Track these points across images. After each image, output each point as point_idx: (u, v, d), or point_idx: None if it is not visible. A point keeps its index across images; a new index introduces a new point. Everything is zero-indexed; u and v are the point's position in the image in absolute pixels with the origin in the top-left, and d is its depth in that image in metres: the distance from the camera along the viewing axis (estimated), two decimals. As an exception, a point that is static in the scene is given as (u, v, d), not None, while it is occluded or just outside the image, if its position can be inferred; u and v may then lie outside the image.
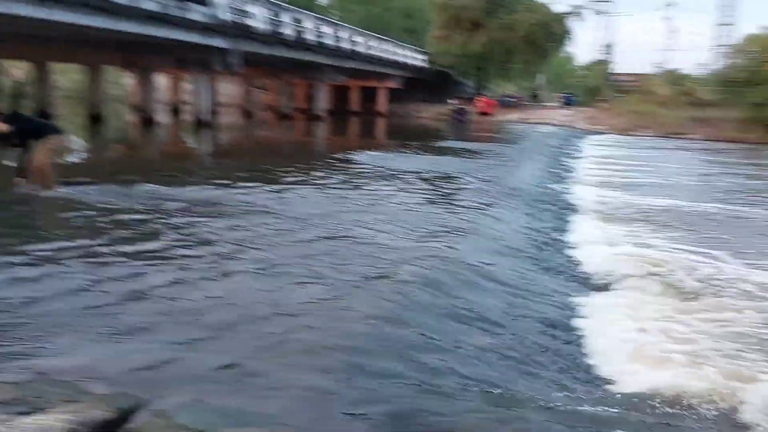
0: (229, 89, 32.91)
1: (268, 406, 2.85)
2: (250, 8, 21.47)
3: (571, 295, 5.73)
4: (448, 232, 6.92)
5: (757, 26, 31.56)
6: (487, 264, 6.05)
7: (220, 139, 21.50)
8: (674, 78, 40.94)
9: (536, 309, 5.24)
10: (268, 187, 9.10)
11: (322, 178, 10.59)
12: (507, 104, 41.33)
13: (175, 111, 30.64)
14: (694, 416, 3.38)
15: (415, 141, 20.02)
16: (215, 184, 9.13)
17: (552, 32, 39.31)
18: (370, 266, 5.36)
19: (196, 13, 18.85)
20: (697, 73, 42.97)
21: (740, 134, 29.69)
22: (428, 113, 37.74)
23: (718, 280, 6.17)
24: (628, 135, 31.33)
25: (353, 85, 36.59)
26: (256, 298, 4.37)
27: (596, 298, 5.69)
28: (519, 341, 4.34)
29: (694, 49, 79.45)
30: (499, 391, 3.24)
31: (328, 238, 6.29)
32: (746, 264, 6.82)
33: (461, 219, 7.73)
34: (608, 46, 43.34)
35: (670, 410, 3.41)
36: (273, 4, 23.32)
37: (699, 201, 11.26)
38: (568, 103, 42.26)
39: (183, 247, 5.63)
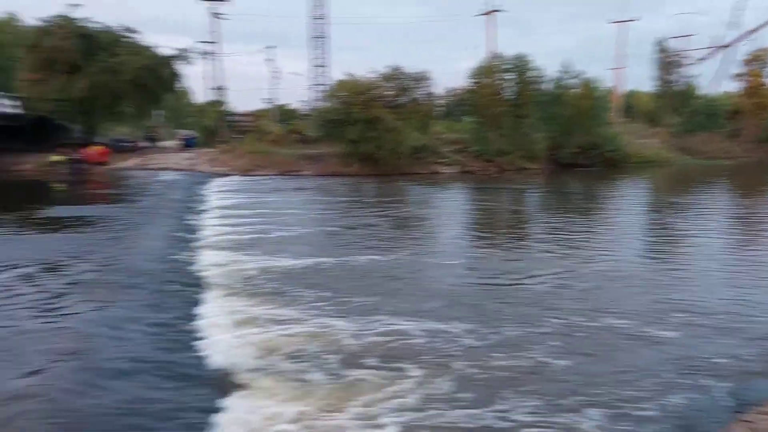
0: None
1: None
2: None
3: (200, 408, 5.42)
4: (53, 362, 5.86)
5: (344, 72, 36.11)
6: (100, 391, 5.32)
7: None
8: (283, 114, 44.20)
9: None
10: None
11: None
12: (122, 149, 38.95)
13: None
14: None
15: (12, 210, 17.07)
16: None
17: (160, 76, 38.39)
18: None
19: None
20: (301, 109, 47.37)
21: (343, 168, 33.73)
22: (30, 165, 33.12)
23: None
24: (250, 175, 32.62)
25: None
26: None
27: (227, 404, 5.50)
28: None
29: (296, 87, 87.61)
30: None
31: None
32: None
33: (73, 334, 6.66)
34: (220, 88, 44.43)
35: None
36: None
37: (321, 256, 11.29)
38: (188, 145, 41.86)
39: None
